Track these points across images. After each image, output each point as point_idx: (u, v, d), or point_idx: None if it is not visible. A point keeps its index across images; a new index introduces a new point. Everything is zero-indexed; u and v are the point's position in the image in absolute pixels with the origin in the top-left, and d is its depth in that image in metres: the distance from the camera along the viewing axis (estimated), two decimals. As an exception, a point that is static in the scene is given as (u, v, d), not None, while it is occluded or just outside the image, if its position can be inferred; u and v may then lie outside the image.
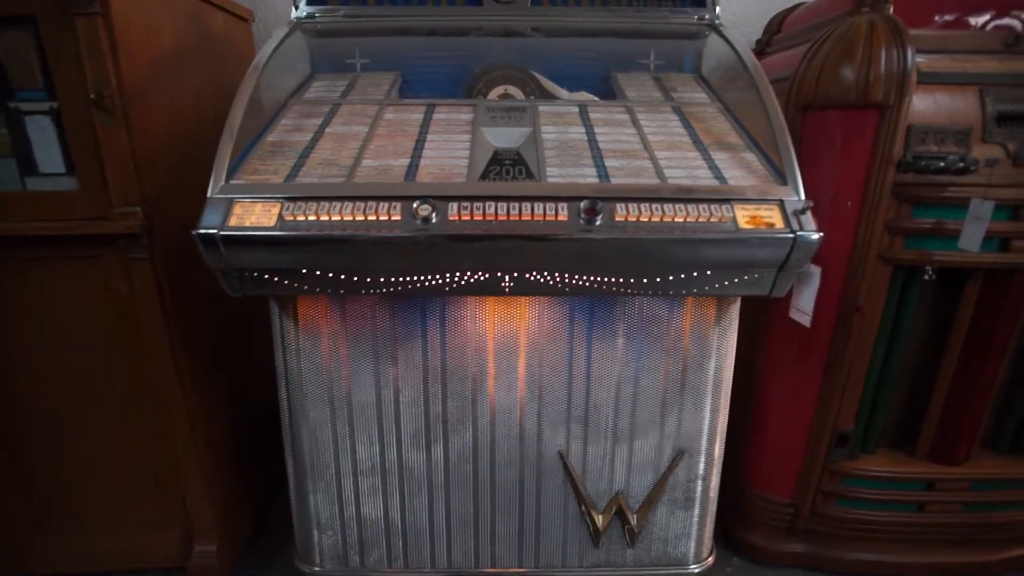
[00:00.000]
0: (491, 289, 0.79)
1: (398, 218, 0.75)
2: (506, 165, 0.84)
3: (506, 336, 0.92)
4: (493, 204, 0.76)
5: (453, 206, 0.76)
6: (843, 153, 1.02)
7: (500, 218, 0.75)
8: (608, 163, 0.85)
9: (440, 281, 0.78)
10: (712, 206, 0.77)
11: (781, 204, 0.78)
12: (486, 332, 0.92)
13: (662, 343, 0.92)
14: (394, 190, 0.77)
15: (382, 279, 0.79)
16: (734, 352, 0.95)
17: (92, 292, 1.04)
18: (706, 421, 0.97)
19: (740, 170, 0.84)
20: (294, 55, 1.12)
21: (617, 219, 0.75)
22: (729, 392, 0.97)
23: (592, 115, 0.99)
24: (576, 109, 1.01)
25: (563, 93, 1.12)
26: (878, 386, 1.15)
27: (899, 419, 1.22)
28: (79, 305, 1.04)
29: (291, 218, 0.75)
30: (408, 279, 0.78)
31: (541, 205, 0.76)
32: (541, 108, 1.00)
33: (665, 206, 0.77)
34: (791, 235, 0.75)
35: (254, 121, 0.95)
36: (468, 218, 0.75)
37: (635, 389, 0.95)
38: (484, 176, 0.81)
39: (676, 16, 1.11)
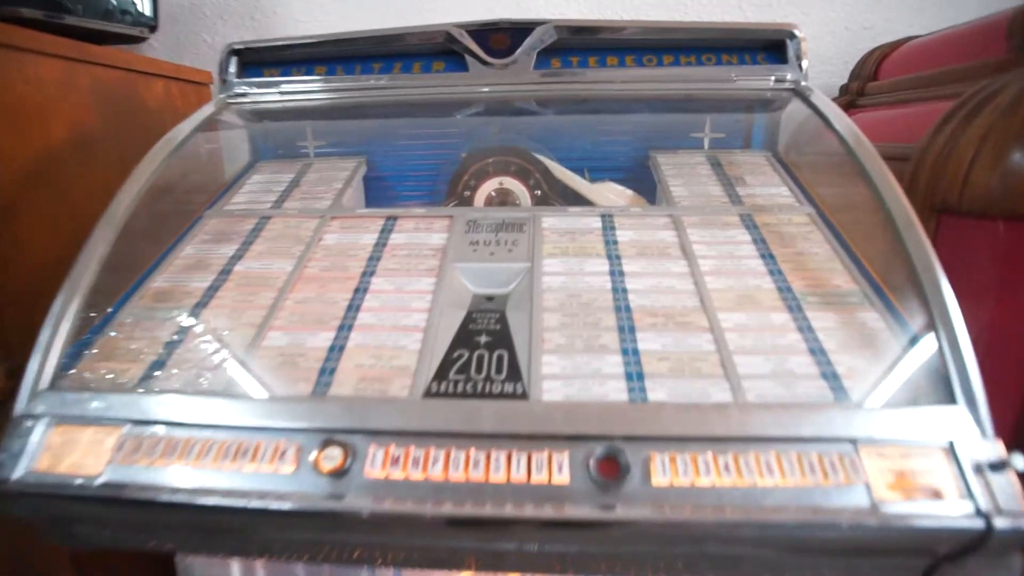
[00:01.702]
0: (445, 565, 0.49)
1: (290, 469, 0.46)
2: (480, 347, 0.54)
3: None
4: (443, 449, 0.45)
5: (377, 454, 0.46)
6: (1013, 283, 0.67)
7: (453, 477, 0.44)
8: (642, 342, 0.53)
9: (365, 555, 0.49)
10: (824, 453, 0.44)
11: (951, 450, 0.44)
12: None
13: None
14: (287, 415, 0.48)
15: (275, 546, 0.50)
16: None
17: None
18: None
19: (862, 355, 0.51)
20: (225, 141, 0.86)
21: (656, 483, 0.44)
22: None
23: (621, 235, 0.67)
24: (598, 223, 0.69)
25: (581, 184, 0.81)
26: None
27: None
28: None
29: (126, 461, 0.48)
30: (314, 552, 0.49)
31: (524, 453, 0.45)
32: (546, 221, 0.69)
33: (742, 457, 0.44)
34: (979, 519, 0.41)
35: (144, 248, 0.68)
36: (401, 474, 0.45)
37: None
38: (440, 375, 0.51)
39: (746, 77, 0.78)
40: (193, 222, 0.74)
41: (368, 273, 0.64)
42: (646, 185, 0.83)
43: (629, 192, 0.80)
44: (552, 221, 0.70)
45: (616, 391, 0.49)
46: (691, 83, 0.78)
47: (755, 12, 1.28)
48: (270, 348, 0.55)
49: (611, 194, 0.80)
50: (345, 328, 0.57)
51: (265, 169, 0.85)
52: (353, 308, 0.59)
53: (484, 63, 0.79)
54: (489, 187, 0.80)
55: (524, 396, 0.49)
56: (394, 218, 0.72)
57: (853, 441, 0.45)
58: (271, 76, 0.83)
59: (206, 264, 0.67)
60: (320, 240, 0.70)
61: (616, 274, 0.62)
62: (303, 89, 0.82)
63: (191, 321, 0.59)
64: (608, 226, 0.69)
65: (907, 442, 0.44)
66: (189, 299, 0.62)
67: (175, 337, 0.57)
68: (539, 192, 0.80)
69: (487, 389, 0.50)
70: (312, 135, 0.87)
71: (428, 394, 0.50)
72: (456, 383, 0.51)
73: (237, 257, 0.68)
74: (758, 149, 0.83)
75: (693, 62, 0.78)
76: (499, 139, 0.82)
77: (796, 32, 0.79)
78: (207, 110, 0.80)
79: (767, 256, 0.64)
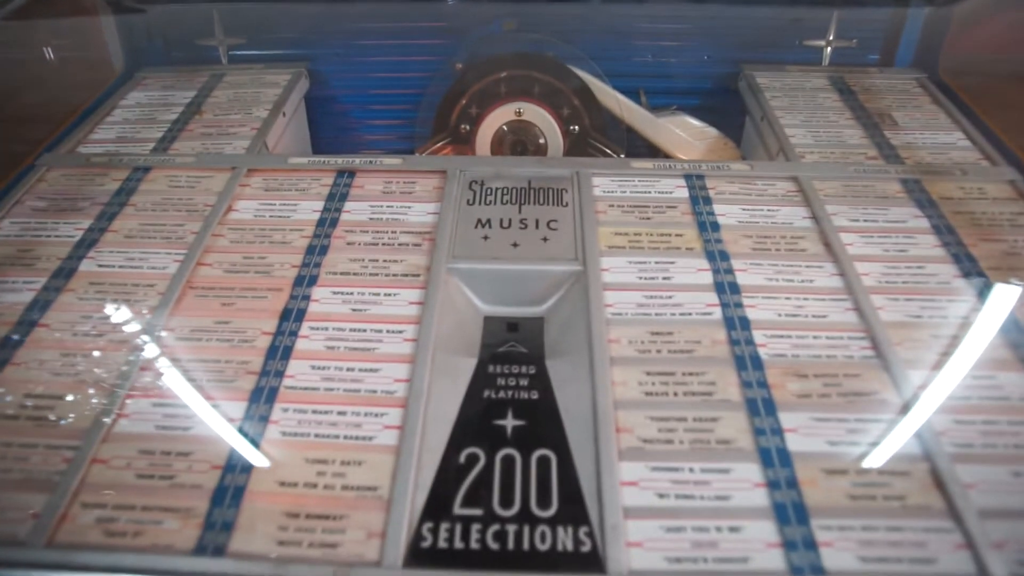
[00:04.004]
0: None
1: None
2: (505, 442, 0.30)
3: None
4: None
5: None
6: None
7: None
8: (793, 436, 0.30)
9: None
10: None
11: None
12: None
13: None
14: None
15: None
16: None
17: None
18: None
19: None
20: (84, 35, 0.55)
21: None
22: None
23: (722, 212, 0.41)
24: (683, 189, 0.43)
25: (638, 115, 0.54)
26: None
27: None
28: None
29: None
30: None
31: None
32: (598, 184, 0.43)
33: None
34: None
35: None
36: None
37: None
38: (436, 510, 0.27)
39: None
40: (19, 173, 0.46)
41: (305, 279, 0.38)
42: (731, 119, 0.56)
43: (711, 131, 0.53)
44: (608, 184, 0.43)
45: (764, 549, 0.26)
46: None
47: None
48: (122, 439, 0.31)
49: (683, 131, 0.53)
50: (262, 394, 0.32)
51: (149, 83, 0.55)
52: (277, 351, 0.34)
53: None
54: (499, 119, 0.52)
55: (597, 565, 0.26)
56: (351, 172, 0.45)
57: None
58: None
59: (32, 254, 0.40)
60: (229, 212, 0.42)
61: (726, 289, 0.37)
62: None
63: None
64: (699, 196, 0.43)
65: None
66: (-8, 325, 0.36)
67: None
68: (575, 128, 0.53)
69: (527, 542, 0.27)
70: (222, 27, 0.56)
71: (415, 557, 0.26)
72: (467, 528, 0.27)
73: (87, 243, 0.41)
74: (904, 67, 0.56)
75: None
76: (515, 41, 0.53)
77: None
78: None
79: (963, 259, 0.39)
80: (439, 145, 0.53)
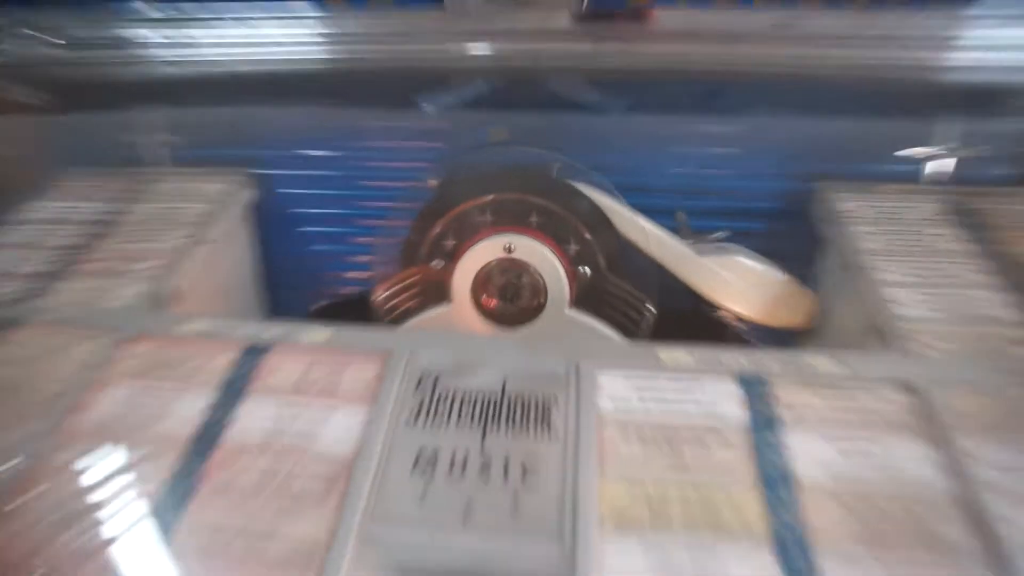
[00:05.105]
0: None
1: None
2: None
3: None
4: None
5: None
6: None
7: None
8: None
9: None
10: None
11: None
12: None
13: None
14: None
15: None
16: None
17: None
18: None
19: None
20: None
21: None
22: None
23: (797, 445, 0.26)
24: (733, 403, 0.28)
25: (672, 251, 0.40)
26: None
27: None
28: None
29: None
30: None
31: None
32: (606, 388, 0.29)
33: None
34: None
35: None
36: None
37: None
38: None
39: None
40: None
41: (144, 552, 0.25)
42: (804, 252, 0.42)
43: (774, 275, 0.39)
44: (621, 389, 0.29)
45: None
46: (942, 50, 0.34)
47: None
48: None
49: (735, 277, 0.39)
50: None
51: (68, 190, 0.45)
52: None
53: (479, -13, 0.36)
54: (484, 255, 0.39)
55: None
56: (262, 349, 0.32)
57: None
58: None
59: None
60: (86, 407, 0.30)
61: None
62: (118, 36, 0.40)
63: None
64: (762, 415, 0.28)
65: None
66: None
67: None
68: (586, 271, 0.39)
69: None
70: (162, 123, 0.46)
71: None
72: None
73: None
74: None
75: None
76: (506, 151, 0.40)
77: None
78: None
79: None
80: (403, 287, 0.40)
